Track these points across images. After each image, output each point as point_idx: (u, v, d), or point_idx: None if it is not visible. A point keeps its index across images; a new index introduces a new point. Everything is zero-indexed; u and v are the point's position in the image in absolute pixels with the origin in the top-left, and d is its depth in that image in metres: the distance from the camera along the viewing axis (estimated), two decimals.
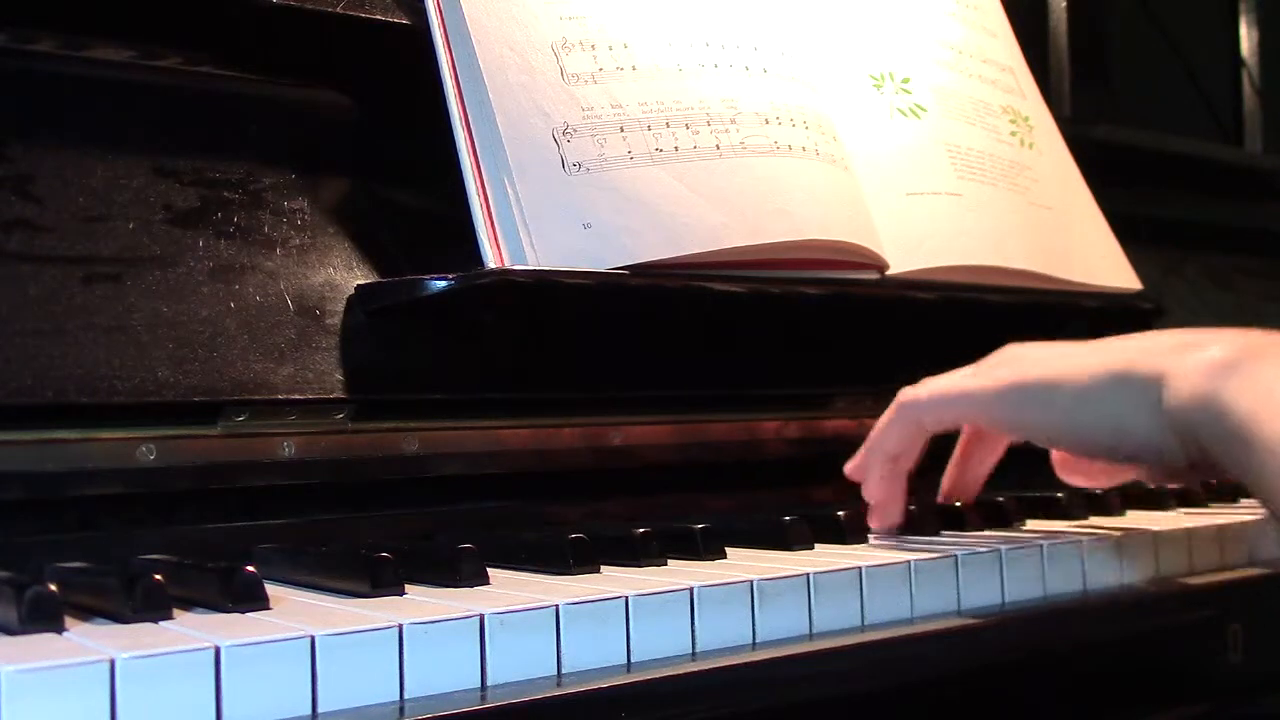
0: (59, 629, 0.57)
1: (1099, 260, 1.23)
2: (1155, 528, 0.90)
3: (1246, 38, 1.97)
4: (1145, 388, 0.76)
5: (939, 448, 0.91)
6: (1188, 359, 0.75)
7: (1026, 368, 0.82)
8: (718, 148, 0.95)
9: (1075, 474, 0.92)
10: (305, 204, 0.90)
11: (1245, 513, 0.97)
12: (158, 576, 0.62)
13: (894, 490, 0.88)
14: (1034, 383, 0.81)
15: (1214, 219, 1.66)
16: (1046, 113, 1.27)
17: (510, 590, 0.67)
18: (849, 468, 0.91)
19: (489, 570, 0.70)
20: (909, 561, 0.76)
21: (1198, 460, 0.76)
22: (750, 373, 1.04)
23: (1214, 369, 0.73)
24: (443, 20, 0.91)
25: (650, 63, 0.96)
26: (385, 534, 0.88)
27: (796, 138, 0.99)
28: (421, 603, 0.63)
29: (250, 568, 0.64)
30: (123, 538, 0.80)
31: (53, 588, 0.59)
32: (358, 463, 0.86)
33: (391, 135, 0.96)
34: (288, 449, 0.83)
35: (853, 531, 0.85)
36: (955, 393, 0.84)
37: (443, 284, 0.85)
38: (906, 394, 0.86)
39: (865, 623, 0.73)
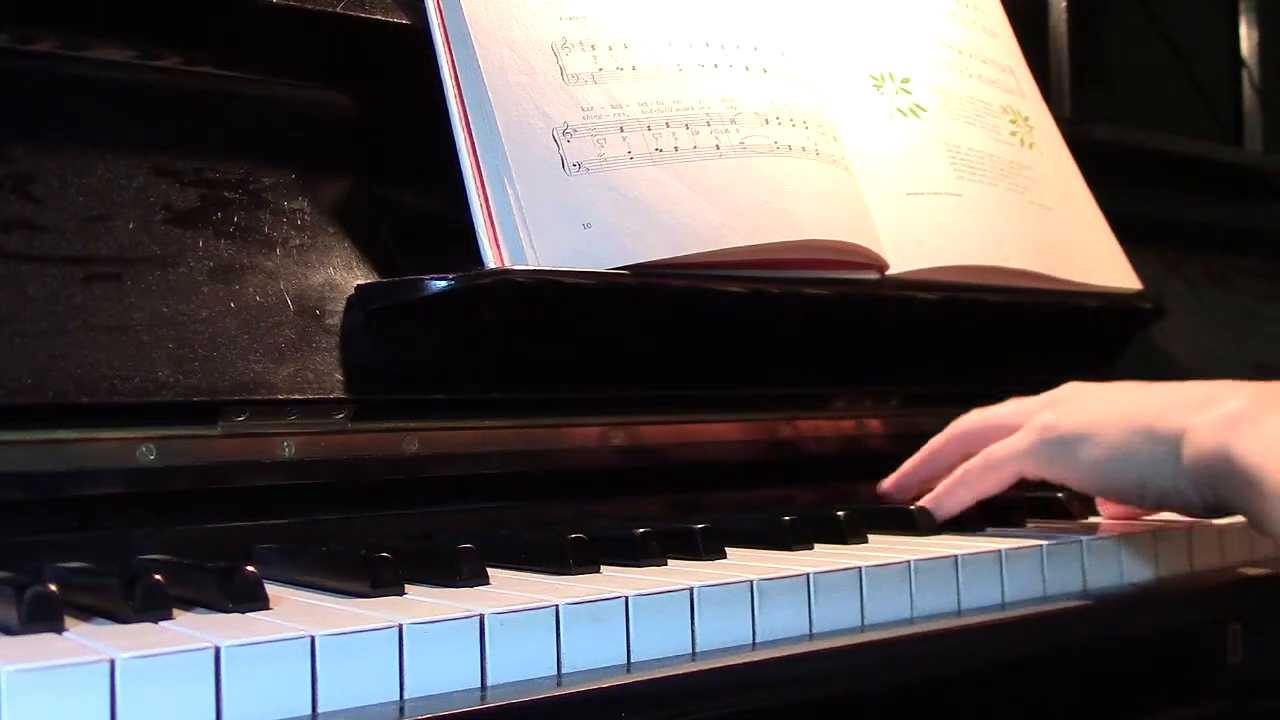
0: (59, 629, 0.57)
1: (1099, 260, 1.23)
2: (1155, 527, 0.90)
3: (1246, 38, 1.97)
4: (1167, 443, 0.82)
5: None
6: (1206, 414, 0.80)
7: (1062, 416, 0.87)
8: (718, 148, 0.95)
9: (1108, 505, 0.97)
10: (305, 204, 0.90)
11: None
12: (158, 576, 0.62)
13: None
14: (1068, 434, 0.86)
15: (1214, 219, 1.66)
16: (1046, 113, 1.27)
17: (510, 590, 0.67)
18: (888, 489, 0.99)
19: (489, 570, 0.70)
20: (909, 561, 0.76)
21: (1215, 506, 0.81)
22: (750, 373, 1.04)
23: (1228, 422, 0.79)
24: (443, 20, 0.91)
25: (650, 63, 0.96)
26: (385, 534, 0.88)
27: (796, 138, 0.99)
28: (421, 603, 0.63)
29: (250, 568, 0.64)
30: (123, 538, 0.80)
31: (53, 588, 0.59)
32: (358, 463, 0.86)
33: (391, 135, 0.96)
34: (288, 449, 0.83)
35: (852, 531, 0.85)
36: (1004, 456, 0.89)
37: (443, 284, 0.85)
38: (969, 466, 0.90)
39: (865, 623, 0.73)
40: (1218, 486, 0.79)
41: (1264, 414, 0.78)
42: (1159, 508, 0.86)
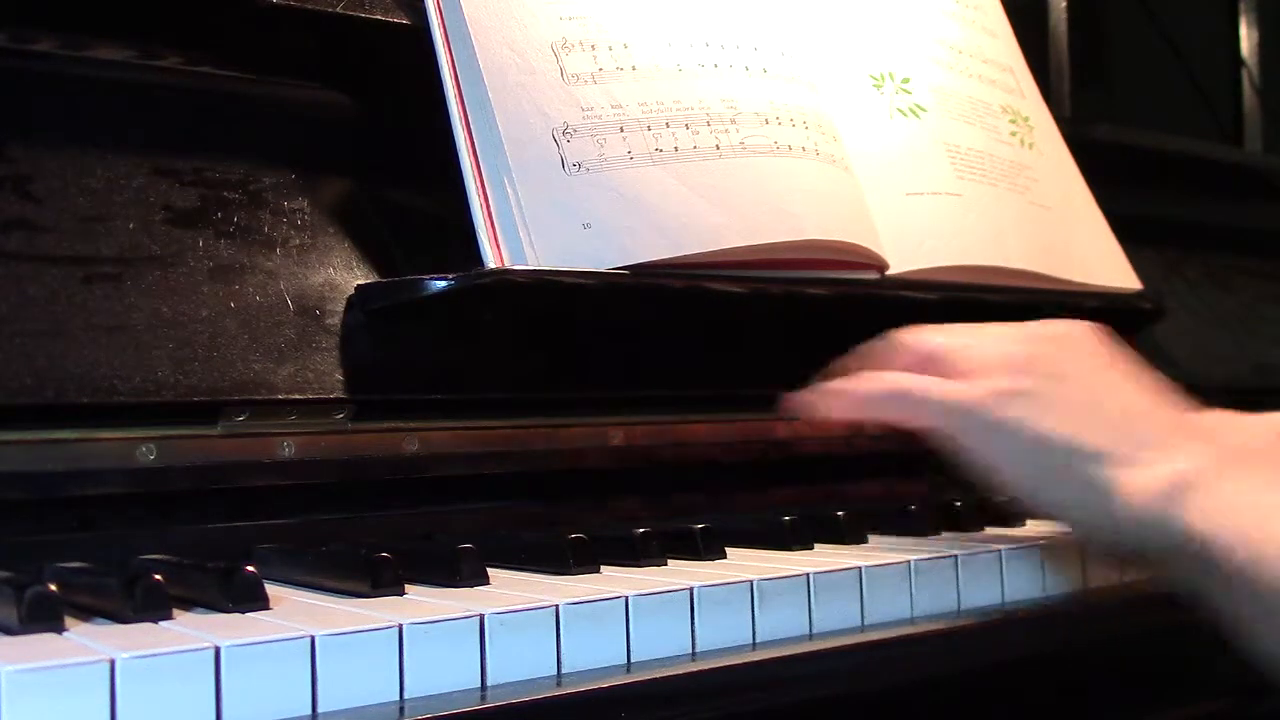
0: (59, 629, 0.57)
1: (1099, 260, 1.23)
2: None
3: (1246, 38, 1.97)
4: (1101, 491, 0.73)
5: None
6: (1149, 472, 0.71)
7: (1016, 403, 0.76)
8: (718, 148, 0.95)
9: None
10: (305, 204, 0.90)
11: None
12: (158, 576, 0.62)
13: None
14: (1010, 426, 0.76)
15: (1214, 219, 1.66)
16: (1046, 113, 1.27)
17: (510, 590, 0.67)
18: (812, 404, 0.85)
19: (489, 570, 0.70)
20: (909, 561, 0.76)
21: (1150, 565, 0.74)
22: (750, 373, 1.04)
23: (1173, 487, 0.70)
24: (443, 20, 0.91)
25: (650, 63, 0.96)
26: (385, 534, 0.88)
27: (796, 138, 0.99)
28: (421, 603, 0.63)
29: (250, 568, 0.64)
30: (123, 538, 0.80)
31: (53, 588, 0.59)
32: (358, 463, 0.86)
33: (391, 135, 0.96)
34: (288, 449, 0.83)
35: (852, 531, 0.85)
36: (936, 399, 0.78)
37: (443, 284, 0.85)
38: (897, 383, 0.80)
39: (865, 623, 0.73)
40: (1153, 555, 0.71)
41: (1216, 479, 0.69)
42: (1111, 552, 0.79)
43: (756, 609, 0.69)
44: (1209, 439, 0.74)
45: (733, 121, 0.96)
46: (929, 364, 0.81)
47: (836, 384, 0.82)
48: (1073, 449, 0.75)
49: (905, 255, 1.05)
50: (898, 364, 0.82)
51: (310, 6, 0.92)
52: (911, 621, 0.75)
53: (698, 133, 0.95)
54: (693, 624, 0.66)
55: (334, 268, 0.88)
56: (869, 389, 0.81)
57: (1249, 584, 0.65)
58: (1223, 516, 0.67)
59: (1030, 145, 1.22)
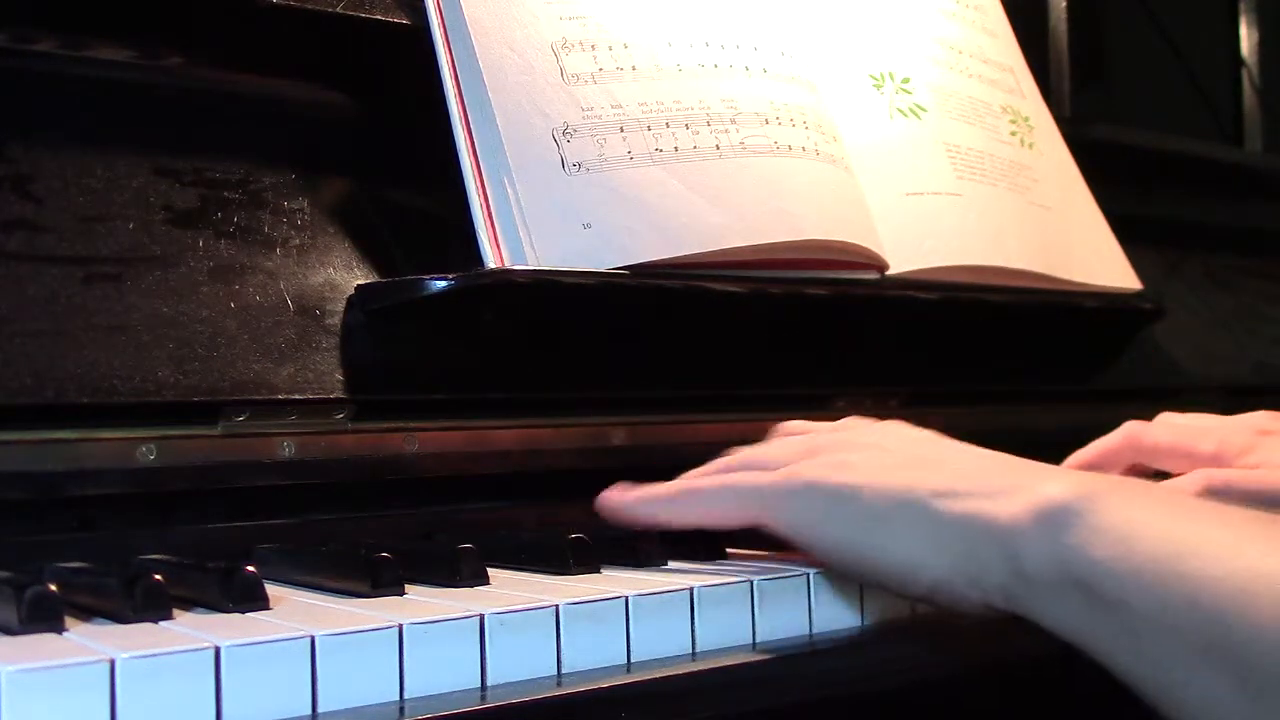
0: (59, 629, 0.57)
1: (1099, 260, 1.23)
2: None
3: (1246, 38, 1.97)
4: (955, 530, 0.66)
5: None
6: (1008, 504, 0.64)
7: (826, 468, 0.70)
8: (718, 148, 0.95)
9: None
10: (305, 204, 0.90)
11: None
12: (158, 576, 0.62)
13: None
14: (826, 488, 0.70)
15: (1214, 219, 1.66)
16: (1046, 113, 1.27)
17: (510, 590, 0.67)
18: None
19: (489, 570, 0.70)
20: None
21: (1004, 611, 0.66)
22: (751, 372, 1.04)
23: (1047, 519, 0.62)
24: (443, 20, 0.91)
25: (650, 63, 0.96)
26: (385, 534, 0.88)
27: (796, 138, 0.99)
28: (421, 603, 0.63)
29: (250, 568, 0.64)
30: (123, 538, 0.80)
31: (53, 588, 0.59)
32: (358, 463, 0.86)
33: (391, 135, 0.96)
34: (288, 449, 0.83)
35: None
36: (746, 488, 0.73)
37: (443, 284, 0.85)
38: (701, 484, 0.76)
39: (865, 623, 0.73)
40: (1020, 595, 0.63)
41: (1099, 503, 0.61)
42: (927, 599, 0.69)
43: (757, 609, 0.69)
44: (1061, 471, 0.67)
45: (733, 121, 0.96)
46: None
47: (650, 489, 0.76)
48: (917, 485, 0.68)
49: (905, 255, 1.05)
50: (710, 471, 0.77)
51: (310, 6, 0.92)
52: (913, 620, 0.74)
53: (698, 133, 0.95)
54: (693, 624, 0.66)
55: (334, 268, 0.88)
56: (690, 487, 0.76)
57: (1153, 613, 0.58)
58: (1120, 549, 0.60)
59: (1030, 145, 1.22)
